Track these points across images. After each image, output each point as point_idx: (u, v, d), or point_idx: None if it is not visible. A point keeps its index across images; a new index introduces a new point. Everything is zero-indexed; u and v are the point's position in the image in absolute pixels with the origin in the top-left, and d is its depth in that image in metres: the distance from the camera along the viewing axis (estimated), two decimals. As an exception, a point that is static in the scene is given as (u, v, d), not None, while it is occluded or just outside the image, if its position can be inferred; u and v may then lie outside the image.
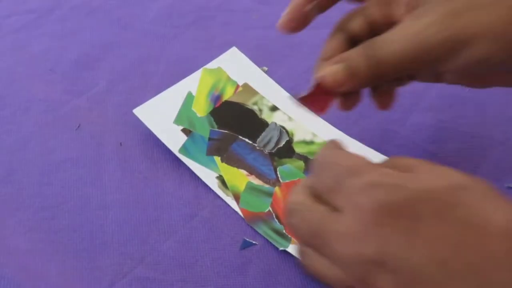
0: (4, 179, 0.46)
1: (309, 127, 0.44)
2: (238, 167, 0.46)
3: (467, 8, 0.35)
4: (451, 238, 0.29)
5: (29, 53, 0.56)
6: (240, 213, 0.44)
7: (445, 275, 0.28)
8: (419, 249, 0.29)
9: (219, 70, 0.53)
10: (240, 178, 0.46)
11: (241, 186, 0.45)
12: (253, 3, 0.61)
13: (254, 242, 0.42)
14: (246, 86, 0.52)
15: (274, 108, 0.50)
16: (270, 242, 0.42)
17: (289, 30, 0.41)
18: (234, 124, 0.49)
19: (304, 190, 0.34)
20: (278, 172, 0.46)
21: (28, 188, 0.45)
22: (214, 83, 0.52)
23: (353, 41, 0.40)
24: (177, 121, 0.49)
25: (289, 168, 0.47)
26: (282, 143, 0.45)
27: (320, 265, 0.33)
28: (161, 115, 0.49)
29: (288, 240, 0.42)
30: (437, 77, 0.41)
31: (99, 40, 0.57)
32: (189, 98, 0.50)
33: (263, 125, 0.49)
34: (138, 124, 0.48)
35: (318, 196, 0.34)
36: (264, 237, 0.43)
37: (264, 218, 0.44)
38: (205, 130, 0.48)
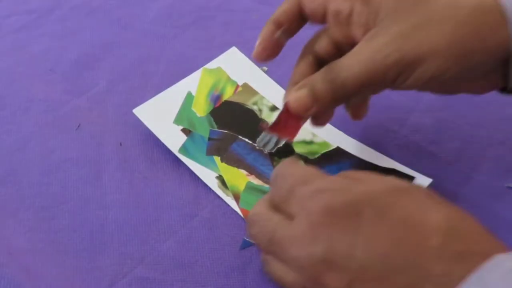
0: (4, 179, 0.46)
1: (309, 127, 0.44)
2: (238, 167, 0.46)
3: (416, 28, 0.36)
4: (391, 235, 0.31)
5: (29, 53, 0.56)
6: (240, 213, 0.44)
7: (388, 269, 0.30)
8: (362, 246, 0.31)
9: (219, 70, 0.53)
10: (240, 178, 0.46)
11: (241, 186, 0.45)
12: (253, 3, 0.61)
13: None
14: (246, 86, 0.52)
15: (274, 108, 0.50)
16: (270, 242, 0.42)
17: (265, 59, 0.43)
18: (234, 124, 0.49)
19: (264, 203, 0.37)
20: (278, 172, 0.46)
21: (28, 188, 0.45)
22: (214, 83, 0.52)
23: (320, 62, 0.41)
24: (177, 121, 0.49)
25: (289, 168, 0.47)
26: (282, 143, 0.45)
27: (279, 271, 0.35)
28: (161, 115, 0.49)
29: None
30: (404, 88, 0.41)
31: (99, 40, 0.57)
32: (189, 98, 0.50)
33: (263, 125, 0.49)
34: (138, 124, 0.48)
35: (276, 207, 0.36)
36: (264, 237, 0.43)
37: (264, 218, 0.44)
38: (205, 130, 0.48)
